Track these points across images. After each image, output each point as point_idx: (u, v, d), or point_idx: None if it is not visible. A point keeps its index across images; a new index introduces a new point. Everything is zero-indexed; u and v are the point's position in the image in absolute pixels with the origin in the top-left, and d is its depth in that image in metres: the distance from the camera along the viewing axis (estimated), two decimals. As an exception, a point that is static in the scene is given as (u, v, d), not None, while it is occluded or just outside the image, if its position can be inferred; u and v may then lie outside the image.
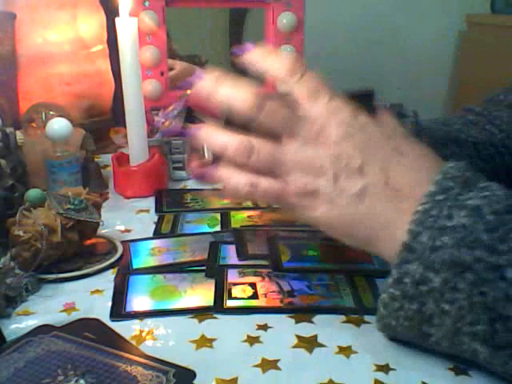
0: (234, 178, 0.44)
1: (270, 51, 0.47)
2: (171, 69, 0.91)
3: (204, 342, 0.43)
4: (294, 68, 0.44)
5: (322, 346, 0.42)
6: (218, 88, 0.44)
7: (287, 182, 0.43)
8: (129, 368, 0.37)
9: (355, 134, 0.42)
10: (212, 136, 0.45)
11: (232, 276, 0.52)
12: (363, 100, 0.45)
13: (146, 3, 0.85)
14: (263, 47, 0.47)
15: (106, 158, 0.85)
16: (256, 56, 0.46)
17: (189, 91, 0.48)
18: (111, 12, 0.84)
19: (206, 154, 0.46)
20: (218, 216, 0.66)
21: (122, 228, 0.64)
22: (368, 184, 0.41)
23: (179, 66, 1.02)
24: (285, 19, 0.90)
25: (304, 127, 0.43)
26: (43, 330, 0.41)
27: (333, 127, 0.42)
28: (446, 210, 0.37)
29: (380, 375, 0.39)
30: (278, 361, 0.40)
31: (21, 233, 0.51)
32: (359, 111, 0.43)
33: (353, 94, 0.45)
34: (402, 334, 0.40)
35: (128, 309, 0.47)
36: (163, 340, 0.43)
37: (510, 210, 0.37)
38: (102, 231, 0.60)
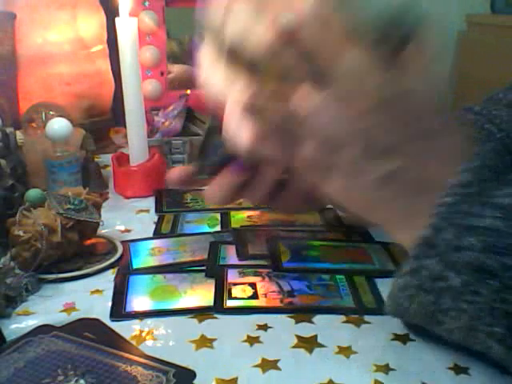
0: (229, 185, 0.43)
1: None
2: (169, 72, 0.91)
3: (204, 341, 0.43)
4: (316, 8, 0.35)
5: (321, 346, 0.42)
6: (230, 14, 0.37)
7: (301, 151, 0.38)
8: (129, 368, 0.37)
9: (389, 108, 0.36)
10: (212, 78, 0.39)
11: (232, 276, 0.52)
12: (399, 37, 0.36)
13: (146, 3, 0.85)
14: None
15: (106, 158, 0.85)
16: None
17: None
18: (111, 12, 0.84)
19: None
20: (218, 216, 0.66)
21: (122, 228, 0.64)
22: (393, 170, 0.37)
23: (176, 68, 1.02)
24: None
25: (329, 89, 0.36)
26: (43, 330, 0.41)
27: (362, 94, 0.36)
28: (477, 206, 0.34)
29: (380, 375, 0.39)
30: (278, 361, 0.40)
31: (21, 233, 0.51)
32: (395, 73, 0.37)
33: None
34: (413, 316, 0.38)
35: (128, 309, 0.47)
36: (163, 340, 0.43)
37: None
38: (102, 231, 0.60)
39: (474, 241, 0.34)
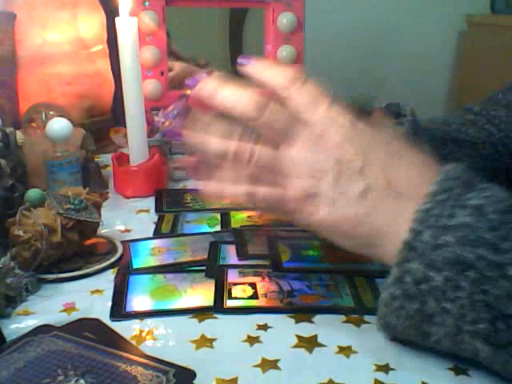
0: (232, 188, 0.45)
1: (271, 64, 0.47)
2: (170, 70, 0.91)
3: (204, 341, 0.43)
4: (294, 77, 0.44)
5: (322, 346, 0.42)
6: (219, 90, 0.45)
7: (287, 188, 0.43)
8: (129, 368, 0.37)
9: (355, 138, 0.42)
10: (210, 139, 0.45)
11: (232, 276, 0.52)
12: (362, 110, 0.46)
13: (146, 3, 0.85)
14: (265, 61, 0.47)
15: (105, 158, 0.85)
16: (258, 67, 0.46)
17: (189, 91, 0.47)
18: (111, 12, 0.84)
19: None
20: (218, 216, 0.66)
21: (122, 228, 0.64)
22: (369, 185, 0.41)
23: (178, 66, 1.02)
24: (285, 19, 0.90)
25: (304, 132, 0.43)
26: (43, 330, 0.41)
27: (332, 132, 0.42)
28: (447, 209, 0.37)
29: (380, 375, 0.39)
30: (278, 361, 0.40)
31: (21, 233, 0.51)
32: (358, 118, 0.44)
33: (352, 104, 0.46)
34: (402, 332, 0.40)
35: (128, 309, 0.47)
36: (163, 340, 0.43)
37: None
38: (101, 231, 0.60)
39: (449, 238, 0.37)
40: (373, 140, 0.43)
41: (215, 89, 0.44)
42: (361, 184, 0.41)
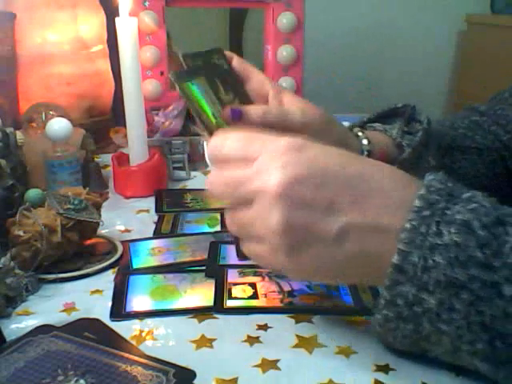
0: None
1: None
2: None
3: (204, 342, 0.43)
4: (216, 148, 0.42)
5: (322, 346, 0.42)
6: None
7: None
8: (129, 368, 0.37)
9: (306, 173, 0.38)
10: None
11: (232, 276, 0.52)
12: None
13: (146, 3, 0.85)
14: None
15: (106, 158, 0.85)
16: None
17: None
18: (111, 12, 0.84)
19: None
20: (218, 216, 0.66)
21: (122, 228, 0.64)
22: (344, 222, 0.37)
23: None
24: (285, 19, 0.90)
25: (245, 190, 0.39)
26: (43, 329, 0.41)
27: (274, 176, 0.38)
28: (434, 226, 0.35)
29: (380, 375, 0.39)
30: (278, 361, 0.40)
31: (21, 233, 0.51)
32: (304, 144, 0.39)
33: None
34: (401, 347, 0.40)
35: (128, 309, 0.47)
36: (163, 340, 0.43)
37: (500, 221, 0.35)
38: (102, 231, 0.60)
39: (438, 259, 0.35)
40: (329, 167, 0.38)
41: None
42: (334, 225, 0.37)
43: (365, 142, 0.55)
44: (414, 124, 0.60)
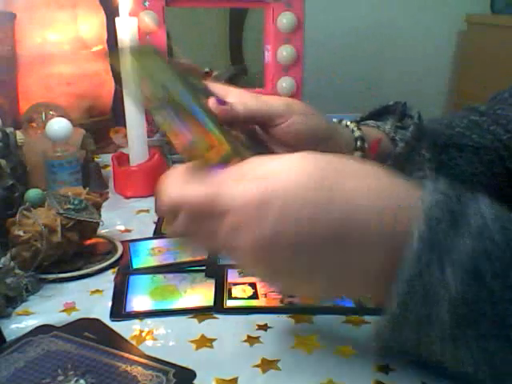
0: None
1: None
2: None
3: (204, 341, 0.43)
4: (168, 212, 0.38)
5: (321, 346, 0.42)
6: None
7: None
8: (129, 368, 0.37)
9: (275, 241, 0.33)
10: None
11: (232, 276, 0.52)
12: None
13: (146, 3, 0.85)
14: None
15: (106, 158, 0.85)
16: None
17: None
18: (111, 12, 0.84)
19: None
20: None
21: (122, 228, 0.64)
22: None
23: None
24: (285, 19, 0.90)
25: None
26: (43, 329, 0.41)
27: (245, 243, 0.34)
28: (438, 272, 0.31)
29: (380, 375, 0.39)
30: (278, 361, 0.40)
31: (21, 233, 0.51)
32: (265, 164, 0.36)
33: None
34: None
35: (128, 309, 0.47)
36: (163, 340, 0.43)
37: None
38: (102, 231, 0.60)
39: (442, 314, 0.32)
40: (294, 202, 0.33)
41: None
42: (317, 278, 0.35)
43: (356, 130, 0.56)
44: (406, 120, 0.60)
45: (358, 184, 0.34)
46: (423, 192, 0.34)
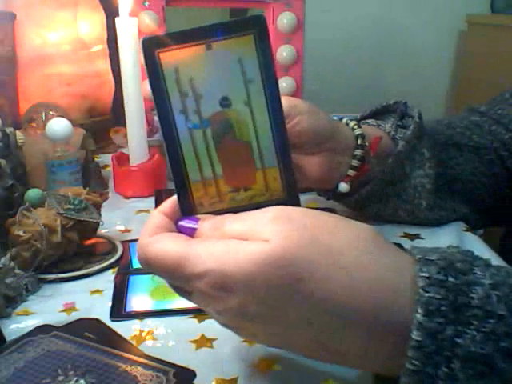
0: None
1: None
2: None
3: (204, 342, 0.43)
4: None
5: (322, 345, 0.42)
6: None
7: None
8: (129, 368, 0.37)
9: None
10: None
11: (232, 276, 0.51)
12: None
13: (146, 3, 0.85)
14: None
15: (106, 158, 0.85)
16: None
17: None
18: (111, 12, 0.84)
19: None
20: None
21: (122, 228, 0.64)
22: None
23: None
24: (285, 19, 0.90)
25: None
26: (43, 329, 0.41)
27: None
28: (443, 365, 0.28)
29: (380, 375, 0.39)
30: (277, 361, 0.40)
31: (21, 233, 0.51)
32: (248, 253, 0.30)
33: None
34: None
35: (128, 309, 0.47)
36: (163, 340, 0.43)
37: None
38: (102, 231, 0.60)
39: None
40: (281, 297, 0.30)
41: None
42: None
43: (356, 128, 0.56)
44: (407, 119, 0.60)
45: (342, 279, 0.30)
46: (417, 282, 0.29)
